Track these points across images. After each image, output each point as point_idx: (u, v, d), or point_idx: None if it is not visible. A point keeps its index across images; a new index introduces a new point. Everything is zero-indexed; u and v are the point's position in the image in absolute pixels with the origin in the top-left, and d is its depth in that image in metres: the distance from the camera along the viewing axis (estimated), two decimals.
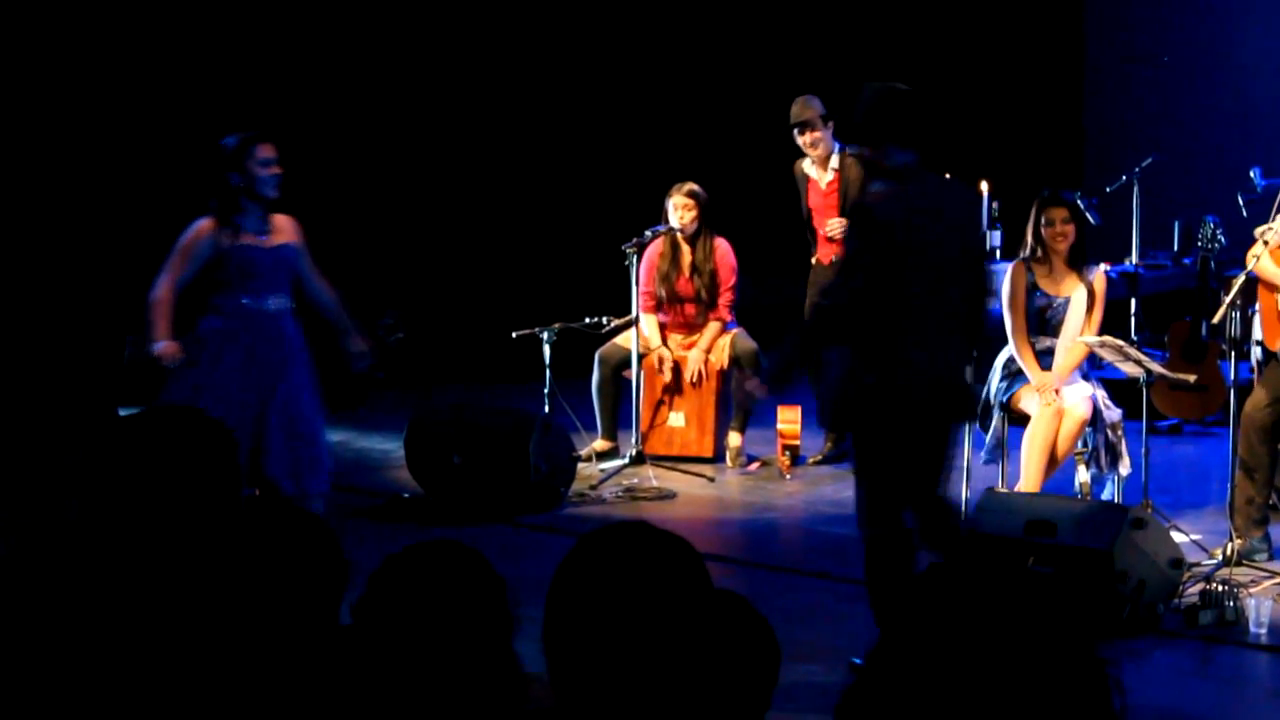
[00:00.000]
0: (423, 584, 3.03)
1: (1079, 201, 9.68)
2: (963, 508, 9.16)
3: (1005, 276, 9.19)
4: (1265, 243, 8.44)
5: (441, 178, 14.12)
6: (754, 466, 10.71)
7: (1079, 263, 9.07)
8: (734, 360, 10.75)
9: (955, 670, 2.46)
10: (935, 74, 14.63)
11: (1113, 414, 8.97)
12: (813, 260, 10.69)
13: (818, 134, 10.45)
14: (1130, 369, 8.86)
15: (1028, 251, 9.11)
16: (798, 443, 10.59)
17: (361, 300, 13.22)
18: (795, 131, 10.51)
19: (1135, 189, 11.54)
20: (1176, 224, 11.98)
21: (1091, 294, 9.03)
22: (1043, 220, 9.02)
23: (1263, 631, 7.40)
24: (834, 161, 10.53)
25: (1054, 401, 8.87)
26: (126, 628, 3.28)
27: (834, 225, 10.39)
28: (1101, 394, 9.05)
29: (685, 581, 2.94)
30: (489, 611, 3.05)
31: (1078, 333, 8.97)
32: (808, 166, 10.63)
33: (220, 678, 3.20)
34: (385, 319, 13.46)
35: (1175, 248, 11.98)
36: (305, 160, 11.32)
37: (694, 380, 10.78)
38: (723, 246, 10.85)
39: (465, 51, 14.15)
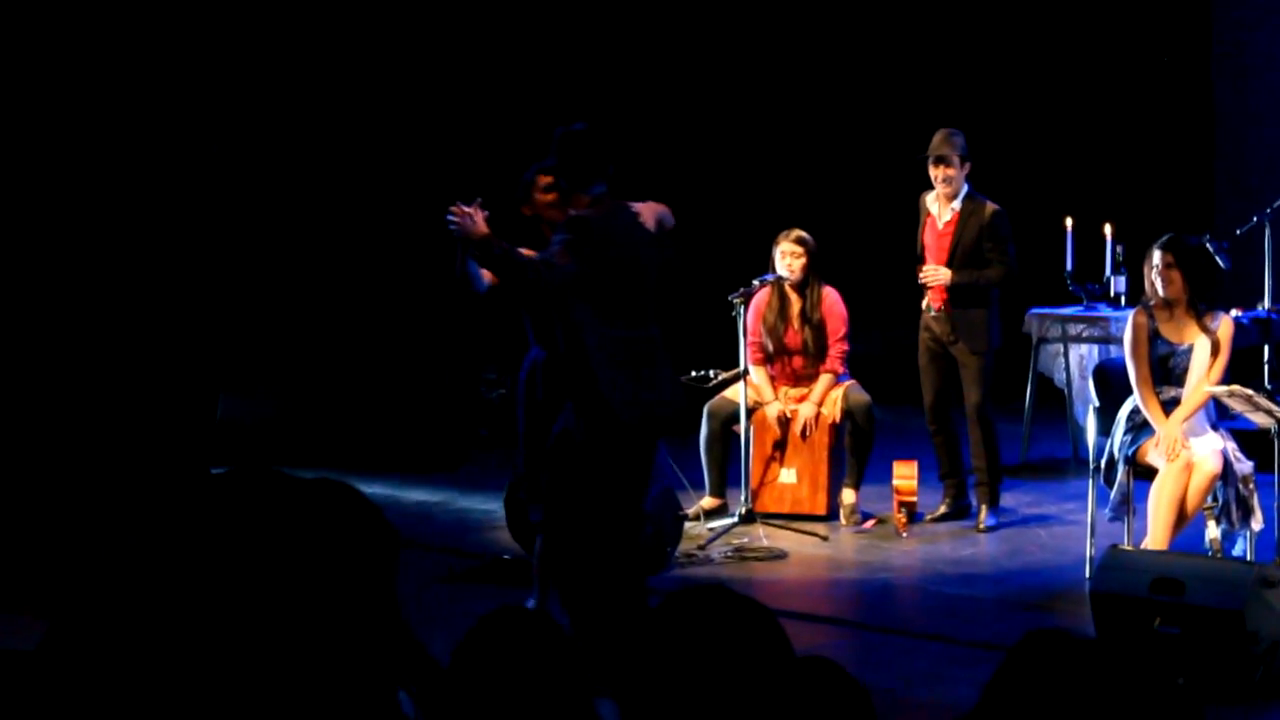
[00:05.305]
0: (507, 649, 3.07)
1: (1208, 245, 9.48)
2: (1087, 566, 8.95)
3: (1127, 324, 8.97)
4: None
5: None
6: (869, 524, 10.43)
7: (1201, 309, 8.82)
8: (847, 414, 10.50)
9: None
10: (1063, 114, 14.53)
11: (1244, 467, 8.69)
12: (924, 304, 10.35)
13: (952, 171, 10.11)
14: (1261, 419, 8.63)
15: (1149, 298, 8.90)
16: (914, 500, 10.31)
17: (464, 356, 13.22)
18: (930, 163, 10.20)
19: (1267, 231, 11.31)
20: None
21: (1215, 342, 8.78)
22: (1148, 264, 8.88)
23: None
24: (956, 203, 10.21)
25: (1182, 455, 8.60)
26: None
27: (929, 272, 10.16)
28: (1232, 446, 8.77)
29: (761, 646, 2.95)
30: (569, 678, 3.08)
31: (1201, 382, 8.72)
32: (930, 201, 10.30)
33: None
34: (488, 374, 13.40)
35: None
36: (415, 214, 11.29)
37: (805, 435, 10.51)
38: (831, 295, 10.59)
39: (568, 98, 14.05)
